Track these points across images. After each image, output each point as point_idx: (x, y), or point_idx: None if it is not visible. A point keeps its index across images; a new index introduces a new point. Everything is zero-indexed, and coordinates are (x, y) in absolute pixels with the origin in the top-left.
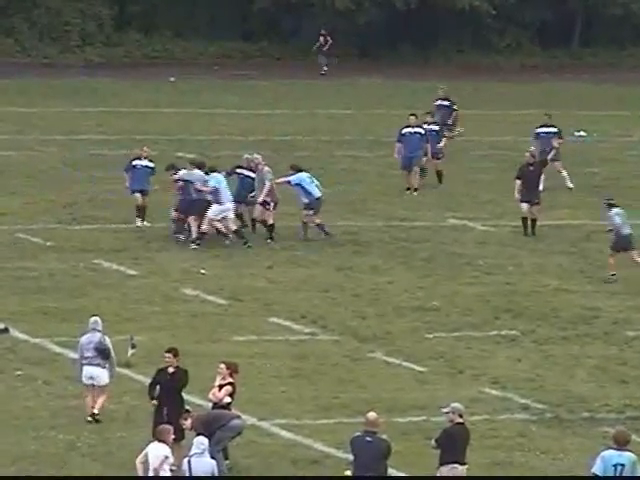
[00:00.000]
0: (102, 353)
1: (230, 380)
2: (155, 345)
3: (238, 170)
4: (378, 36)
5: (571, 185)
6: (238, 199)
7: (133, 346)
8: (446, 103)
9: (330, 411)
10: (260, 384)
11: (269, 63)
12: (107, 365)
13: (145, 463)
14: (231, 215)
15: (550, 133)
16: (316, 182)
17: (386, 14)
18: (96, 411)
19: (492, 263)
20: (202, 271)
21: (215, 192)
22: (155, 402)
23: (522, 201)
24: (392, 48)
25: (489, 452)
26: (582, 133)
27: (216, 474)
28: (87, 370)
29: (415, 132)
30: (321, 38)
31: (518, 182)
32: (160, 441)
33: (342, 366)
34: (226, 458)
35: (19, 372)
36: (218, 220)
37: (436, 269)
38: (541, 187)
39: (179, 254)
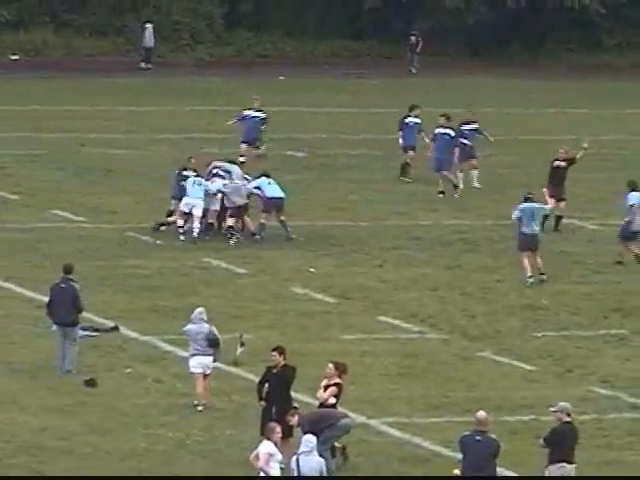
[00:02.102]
0: (212, 342)
1: (337, 381)
2: (264, 343)
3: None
4: (487, 35)
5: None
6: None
7: (242, 344)
8: (258, 115)
9: (439, 409)
10: (369, 382)
11: (379, 62)
12: (214, 353)
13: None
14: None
15: (418, 124)
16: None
17: (496, 13)
18: (204, 401)
19: (601, 262)
20: (311, 269)
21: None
22: (263, 403)
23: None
24: (501, 47)
25: (598, 451)
26: None
27: (324, 473)
28: (198, 360)
29: (445, 133)
30: (412, 38)
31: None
32: (267, 439)
33: (451, 365)
34: (333, 456)
35: (129, 370)
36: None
37: (545, 268)
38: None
39: (288, 252)
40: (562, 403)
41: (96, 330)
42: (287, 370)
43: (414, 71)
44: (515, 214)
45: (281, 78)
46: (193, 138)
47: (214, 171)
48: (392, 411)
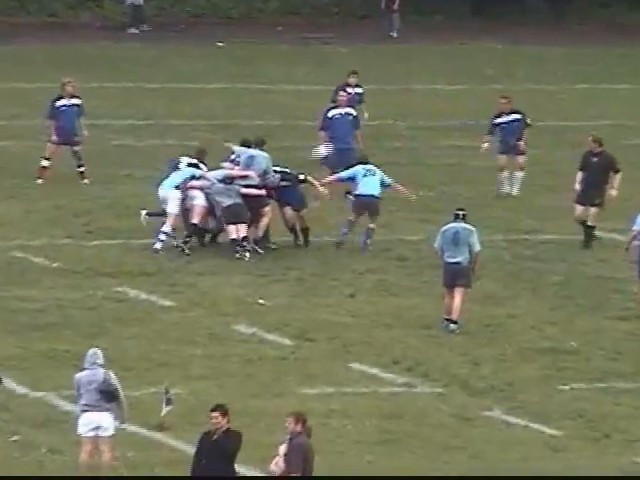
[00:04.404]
0: (107, 395)
1: None
2: (197, 400)
3: None
4: None
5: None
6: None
7: (168, 402)
8: (75, 102)
9: None
10: (338, 452)
11: (349, 23)
12: (113, 409)
13: None
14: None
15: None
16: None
17: None
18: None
19: None
20: (260, 301)
21: None
22: None
23: (576, 202)
24: (514, 4)
25: None
26: None
27: None
28: (88, 417)
29: (347, 113)
30: None
31: (580, 174)
32: None
33: (448, 428)
34: None
35: (15, 437)
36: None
37: (574, 298)
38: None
39: (230, 278)
40: None
41: None
42: (230, 437)
43: (395, 35)
44: (437, 240)
45: (219, 44)
46: (100, 125)
47: (232, 157)
48: None
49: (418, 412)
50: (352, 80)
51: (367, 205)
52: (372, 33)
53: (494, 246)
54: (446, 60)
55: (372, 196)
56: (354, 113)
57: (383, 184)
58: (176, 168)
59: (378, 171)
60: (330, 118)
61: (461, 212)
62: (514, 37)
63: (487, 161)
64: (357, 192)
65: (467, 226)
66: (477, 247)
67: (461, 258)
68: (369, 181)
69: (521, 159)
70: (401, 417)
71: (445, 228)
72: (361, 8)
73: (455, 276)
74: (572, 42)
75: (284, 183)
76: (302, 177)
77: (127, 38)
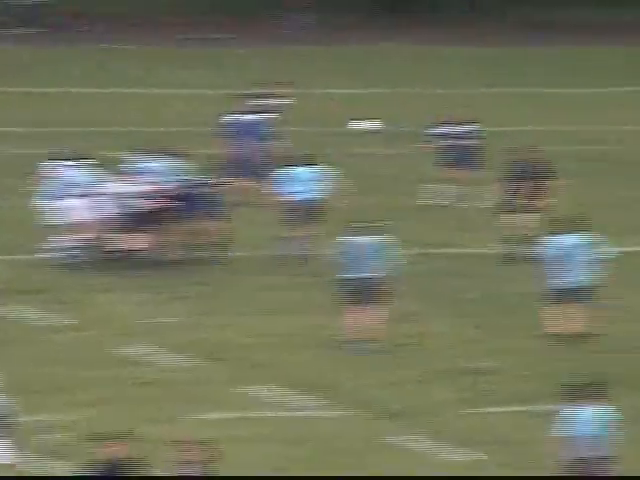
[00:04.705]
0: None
1: None
2: (89, 427)
3: None
4: None
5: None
6: None
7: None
8: None
9: None
10: None
11: (250, 21)
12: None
13: None
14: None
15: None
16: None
17: None
18: None
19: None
20: (160, 320)
21: None
22: None
23: None
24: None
25: None
26: None
27: None
28: None
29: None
30: None
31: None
32: None
33: (356, 453)
34: None
35: None
36: None
37: (493, 315)
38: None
39: (127, 295)
40: None
41: None
42: (126, 466)
43: (295, 35)
44: (346, 253)
45: (113, 47)
46: None
47: (131, 166)
48: None
49: (324, 437)
50: (278, 91)
51: (301, 209)
52: (276, 33)
53: (411, 261)
54: (354, 61)
55: (309, 200)
56: (261, 120)
57: (315, 180)
58: (55, 176)
59: (308, 172)
60: (233, 123)
61: (374, 224)
62: (420, 37)
63: (401, 170)
64: (288, 192)
65: (380, 239)
66: (392, 261)
67: (373, 273)
68: (301, 184)
69: (473, 174)
70: (305, 443)
71: (355, 241)
72: (263, 6)
73: (367, 292)
74: (483, 41)
75: (197, 191)
76: (213, 181)
77: (14, 41)
